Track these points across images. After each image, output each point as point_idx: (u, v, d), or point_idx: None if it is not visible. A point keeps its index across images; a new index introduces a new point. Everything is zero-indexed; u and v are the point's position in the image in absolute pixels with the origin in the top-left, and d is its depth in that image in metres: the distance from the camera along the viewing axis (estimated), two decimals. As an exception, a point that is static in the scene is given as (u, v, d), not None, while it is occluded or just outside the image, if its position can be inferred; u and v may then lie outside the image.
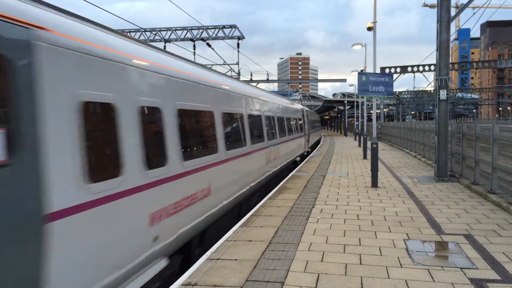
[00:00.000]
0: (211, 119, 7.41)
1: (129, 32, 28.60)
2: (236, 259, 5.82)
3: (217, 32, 29.28)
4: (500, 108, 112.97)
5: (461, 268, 5.41)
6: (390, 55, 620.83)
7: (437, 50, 13.33)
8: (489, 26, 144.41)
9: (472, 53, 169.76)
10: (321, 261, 5.76)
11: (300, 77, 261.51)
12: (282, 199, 10.27)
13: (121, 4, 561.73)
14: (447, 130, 13.29)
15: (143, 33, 29.23)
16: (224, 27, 29.27)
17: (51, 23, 3.64)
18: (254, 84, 34.15)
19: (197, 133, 6.90)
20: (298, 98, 62.28)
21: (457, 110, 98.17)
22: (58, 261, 3.34)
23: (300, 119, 21.66)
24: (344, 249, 6.28)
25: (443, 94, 13.11)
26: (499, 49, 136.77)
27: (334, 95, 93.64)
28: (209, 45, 28.49)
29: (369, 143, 19.01)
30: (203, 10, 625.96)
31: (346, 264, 5.62)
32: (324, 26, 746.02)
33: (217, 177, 7.36)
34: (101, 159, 4.22)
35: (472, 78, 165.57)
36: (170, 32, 29.70)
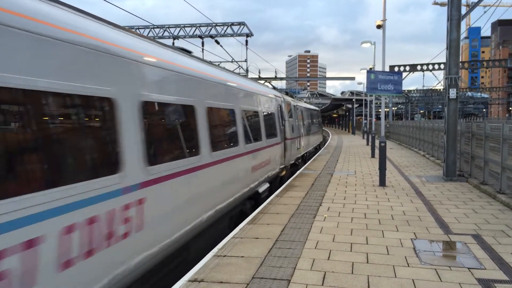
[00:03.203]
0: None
1: (138, 28, 28.61)
2: (242, 256, 5.84)
3: (226, 29, 29.18)
4: (510, 108, 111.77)
5: (468, 268, 5.38)
6: (401, 53, 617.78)
7: (447, 48, 13.22)
8: (500, 24, 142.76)
9: (483, 52, 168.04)
10: (328, 259, 5.76)
11: (308, 75, 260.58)
12: (289, 197, 10.27)
13: (130, 1, 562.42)
14: (456, 130, 13.19)
15: (152, 29, 29.24)
16: (232, 24, 29.18)
17: None
18: (262, 81, 33.94)
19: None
20: (306, 96, 62.12)
21: (466, 109, 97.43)
22: None
23: None
24: (351, 247, 6.27)
25: (452, 93, 13.01)
26: (510, 48, 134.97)
27: (342, 93, 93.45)
28: (217, 42, 28.43)
29: (377, 142, 18.91)
30: (213, 7, 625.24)
31: (353, 262, 5.62)
32: (334, 24, 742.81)
33: None
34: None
35: (482, 77, 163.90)
36: (179, 29, 29.68)
